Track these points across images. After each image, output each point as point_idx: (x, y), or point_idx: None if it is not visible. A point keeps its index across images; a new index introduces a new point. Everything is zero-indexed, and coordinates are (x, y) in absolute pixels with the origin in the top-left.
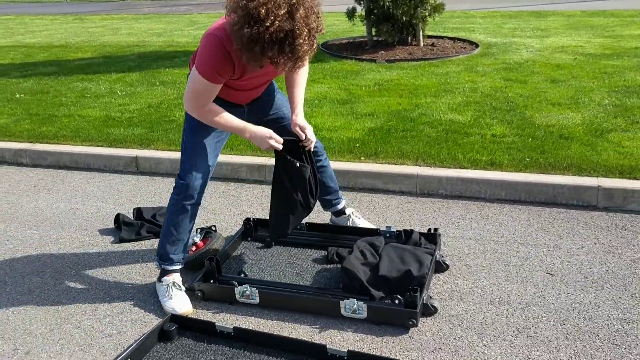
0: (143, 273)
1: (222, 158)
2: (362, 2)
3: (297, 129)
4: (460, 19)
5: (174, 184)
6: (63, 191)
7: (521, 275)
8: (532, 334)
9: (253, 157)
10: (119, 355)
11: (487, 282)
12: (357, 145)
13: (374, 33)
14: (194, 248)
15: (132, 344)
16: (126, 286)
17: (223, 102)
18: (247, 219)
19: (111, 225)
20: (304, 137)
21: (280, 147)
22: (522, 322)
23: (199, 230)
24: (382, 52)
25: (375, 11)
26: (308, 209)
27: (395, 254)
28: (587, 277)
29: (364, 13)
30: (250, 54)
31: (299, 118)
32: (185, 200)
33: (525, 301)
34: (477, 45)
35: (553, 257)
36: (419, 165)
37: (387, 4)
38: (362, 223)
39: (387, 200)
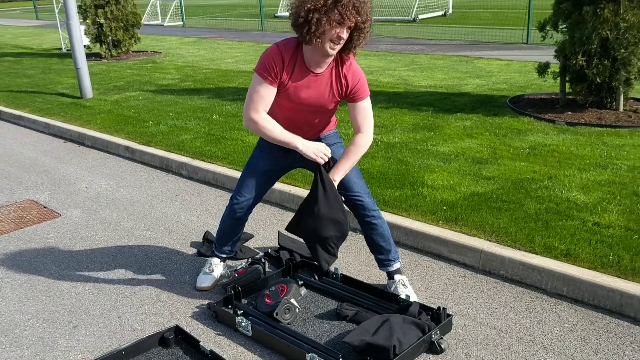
0: (192, 280)
1: None
2: (559, 58)
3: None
4: None
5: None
6: (192, 204)
7: None
8: None
9: None
10: (126, 344)
11: None
12: (444, 208)
13: (568, 91)
14: (235, 274)
15: (132, 341)
16: (180, 284)
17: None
18: (289, 259)
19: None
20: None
21: (323, 161)
22: None
23: (248, 260)
24: (569, 113)
25: (570, 69)
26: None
27: (375, 322)
28: None
29: (558, 70)
30: (313, 27)
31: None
32: (231, 212)
33: None
34: None
35: None
36: (489, 241)
37: (580, 63)
38: (405, 292)
39: (445, 270)
